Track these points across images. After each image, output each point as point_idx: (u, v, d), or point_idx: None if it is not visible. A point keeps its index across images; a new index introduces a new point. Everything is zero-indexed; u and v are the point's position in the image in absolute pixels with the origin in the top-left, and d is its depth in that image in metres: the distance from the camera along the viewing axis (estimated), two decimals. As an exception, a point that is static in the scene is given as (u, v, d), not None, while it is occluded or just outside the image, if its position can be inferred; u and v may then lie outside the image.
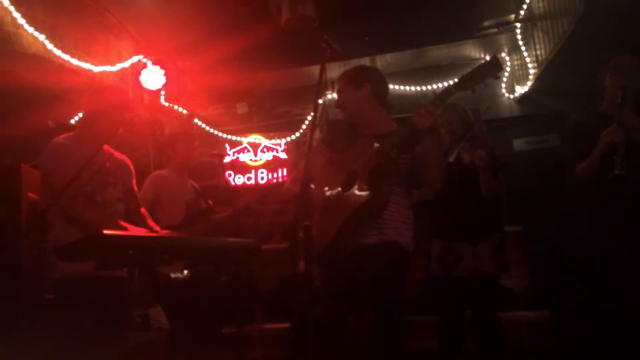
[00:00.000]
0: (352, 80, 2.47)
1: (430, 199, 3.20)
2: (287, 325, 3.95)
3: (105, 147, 2.71)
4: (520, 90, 5.76)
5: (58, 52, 4.33)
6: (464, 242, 3.18)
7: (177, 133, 3.99)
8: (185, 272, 3.08)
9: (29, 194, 4.03)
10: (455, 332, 3.21)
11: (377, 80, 2.49)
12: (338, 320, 2.34)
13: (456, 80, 2.16)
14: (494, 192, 3.15)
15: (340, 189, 2.30)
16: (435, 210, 3.25)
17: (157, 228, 2.90)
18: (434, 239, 3.29)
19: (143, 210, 3.03)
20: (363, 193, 2.18)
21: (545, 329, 3.81)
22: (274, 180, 6.21)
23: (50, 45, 4.25)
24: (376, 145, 2.22)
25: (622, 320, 2.76)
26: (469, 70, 2.15)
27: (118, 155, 2.90)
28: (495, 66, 2.10)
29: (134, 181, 2.97)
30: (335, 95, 2.59)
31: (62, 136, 2.71)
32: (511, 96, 5.97)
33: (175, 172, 3.71)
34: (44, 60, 4.24)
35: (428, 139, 2.23)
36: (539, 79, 5.21)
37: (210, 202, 3.69)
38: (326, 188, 2.33)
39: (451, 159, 3.28)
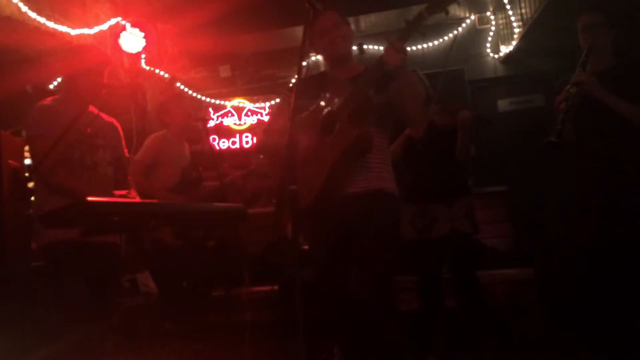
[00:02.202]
0: (344, 18, 2.50)
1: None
2: (275, 287, 4.00)
3: (92, 108, 2.64)
4: (505, 49, 5.72)
5: (33, 14, 4.20)
6: (439, 203, 3.25)
7: (165, 98, 3.94)
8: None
9: (10, 161, 3.96)
10: (435, 292, 3.31)
11: None
12: (329, 279, 2.33)
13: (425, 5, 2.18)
14: (468, 153, 3.21)
15: (319, 135, 2.24)
16: (407, 175, 3.27)
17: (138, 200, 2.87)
18: (406, 204, 3.28)
19: (130, 178, 3.00)
20: (348, 134, 2.12)
21: (529, 286, 3.90)
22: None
23: (24, 8, 4.11)
24: (351, 86, 2.20)
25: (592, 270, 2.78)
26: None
27: (106, 117, 2.83)
28: None
29: (124, 143, 2.93)
30: (319, 57, 2.58)
31: (48, 99, 2.63)
32: (496, 56, 5.93)
33: (175, 136, 3.69)
34: (18, 23, 4.11)
35: (402, 76, 2.18)
36: (523, 38, 5.17)
37: (200, 168, 3.72)
38: (303, 137, 2.27)
39: None
